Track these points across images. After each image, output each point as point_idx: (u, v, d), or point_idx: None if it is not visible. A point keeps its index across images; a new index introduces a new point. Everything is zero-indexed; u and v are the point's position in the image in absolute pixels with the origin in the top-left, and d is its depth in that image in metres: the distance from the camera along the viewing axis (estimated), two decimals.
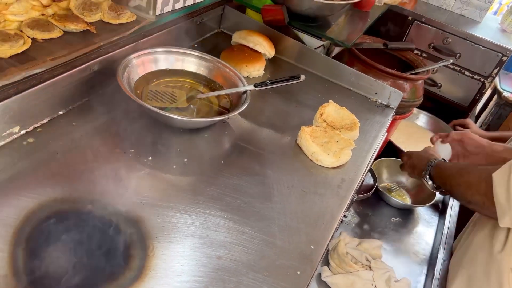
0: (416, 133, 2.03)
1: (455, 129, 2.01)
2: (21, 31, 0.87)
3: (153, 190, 0.82)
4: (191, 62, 1.11)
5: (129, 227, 0.74)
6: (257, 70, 1.24)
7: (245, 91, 1.03)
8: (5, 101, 0.77)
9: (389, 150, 1.77)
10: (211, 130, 1.01)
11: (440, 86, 2.07)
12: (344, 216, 1.20)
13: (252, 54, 1.25)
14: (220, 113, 1.03)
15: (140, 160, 0.87)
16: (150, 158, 0.88)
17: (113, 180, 0.81)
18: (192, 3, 1.22)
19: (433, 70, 2.03)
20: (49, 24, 0.91)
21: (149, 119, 0.97)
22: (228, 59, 1.20)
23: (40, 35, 0.88)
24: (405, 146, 1.79)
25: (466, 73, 1.98)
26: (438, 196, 1.58)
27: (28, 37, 0.87)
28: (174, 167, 0.88)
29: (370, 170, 1.51)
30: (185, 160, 0.90)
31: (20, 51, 0.83)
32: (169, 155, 0.91)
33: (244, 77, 1.13)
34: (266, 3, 1.36)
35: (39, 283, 0.63)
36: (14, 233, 0.67)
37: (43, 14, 0.94)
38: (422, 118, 2.10)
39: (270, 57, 1.33)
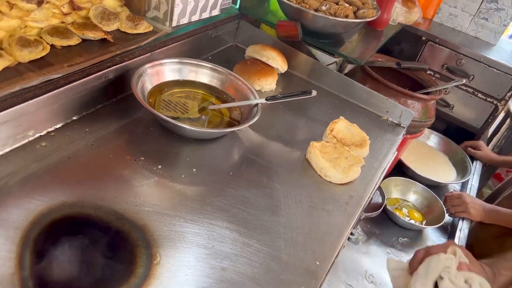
0: (426, 153, 2.02)
1: (466, 151, 2.00)
2: (41, 37, 0.90)
3: (161, 198, 0.82)
4: (204, 73, 1.12)
5: (136, 234, 0.74)
6: (269, 84, 1.25)
7: (257, 104, 1.04)
8: (22, 104, 0.79)
9: (398, 169, 1.76)
10: (221, 142, 1.01)
11: (453, 108, 2.06)
12: (351, 233, 1.19)
13: (265, 68, 1.26)
14: (231, 125, 1.04)
15: (149, 167, 0.88)
16: (159, 166, 0.88)
17: (122, 186, 0.82)
18: (208, 16, 1.24)
19: (446, 91, 2.02)
20: (68, 31, 0.93)
21: (161, 128, 0.98)
22: (241, 72, 1.21)
23: (59, 42, 0.90)
24: (415, 165, 1.78)
25: (479, 95, 1.97)
26: (447, 217, 1.56)
27: (47, 43, 0.89)
28: (183, 176, 0.89)
29: (379, 189, 1.50)
30: (194, 170, 0.91)
31: (38, 56, 0.85)
32: (178, 164, 0.92)
33: (256, 90, 1.14)
34: (280, 18, 1.38)
35: (44, 284, 0.64)
36: (22, 235, 0.68)
37: (62, 22, 0.96)
38: (433, 139, 2.09)
39: (283, 72, 1.34)
